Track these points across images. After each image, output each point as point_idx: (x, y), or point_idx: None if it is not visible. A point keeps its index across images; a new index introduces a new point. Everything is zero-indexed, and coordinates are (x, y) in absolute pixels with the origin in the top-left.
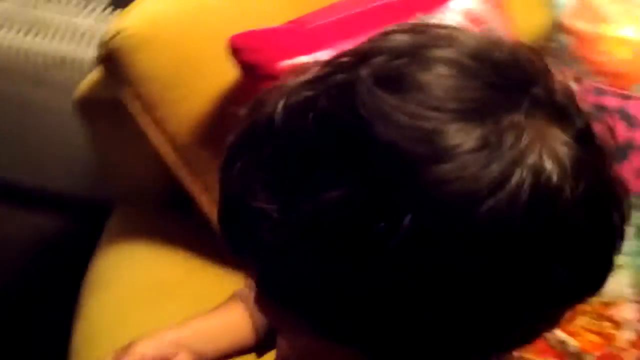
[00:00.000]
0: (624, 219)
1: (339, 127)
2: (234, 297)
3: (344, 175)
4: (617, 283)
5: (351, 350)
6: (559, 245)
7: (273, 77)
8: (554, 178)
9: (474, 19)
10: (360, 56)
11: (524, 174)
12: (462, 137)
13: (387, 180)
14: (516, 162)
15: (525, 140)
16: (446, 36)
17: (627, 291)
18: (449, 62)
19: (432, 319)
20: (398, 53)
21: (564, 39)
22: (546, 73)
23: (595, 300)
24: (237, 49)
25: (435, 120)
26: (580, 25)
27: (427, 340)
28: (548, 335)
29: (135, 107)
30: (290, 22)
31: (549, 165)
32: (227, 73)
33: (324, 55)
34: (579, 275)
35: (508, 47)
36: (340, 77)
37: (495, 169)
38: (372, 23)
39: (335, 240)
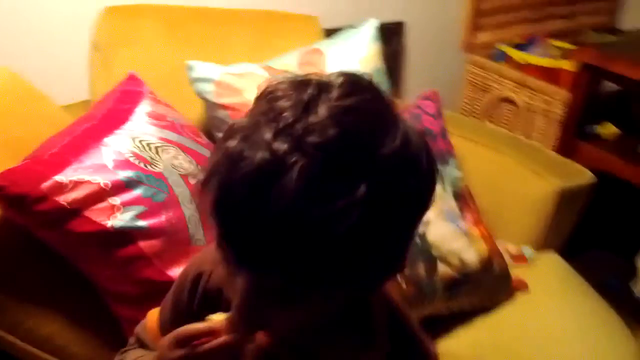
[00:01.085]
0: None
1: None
2: None
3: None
4: None
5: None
6: (432, 175)
7: (41, 198)
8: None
9: (157, 116)
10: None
11: (410, 135)
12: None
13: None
14: (405, 132)
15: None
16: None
17: None
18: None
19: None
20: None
21: (223, 114)
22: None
23: None
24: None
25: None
26: (227, 100)
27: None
28: None
29: None
30: (28, 157)
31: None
32: None
33: (70, 171)
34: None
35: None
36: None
37: (399, 138)
38: (82, 144)
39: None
